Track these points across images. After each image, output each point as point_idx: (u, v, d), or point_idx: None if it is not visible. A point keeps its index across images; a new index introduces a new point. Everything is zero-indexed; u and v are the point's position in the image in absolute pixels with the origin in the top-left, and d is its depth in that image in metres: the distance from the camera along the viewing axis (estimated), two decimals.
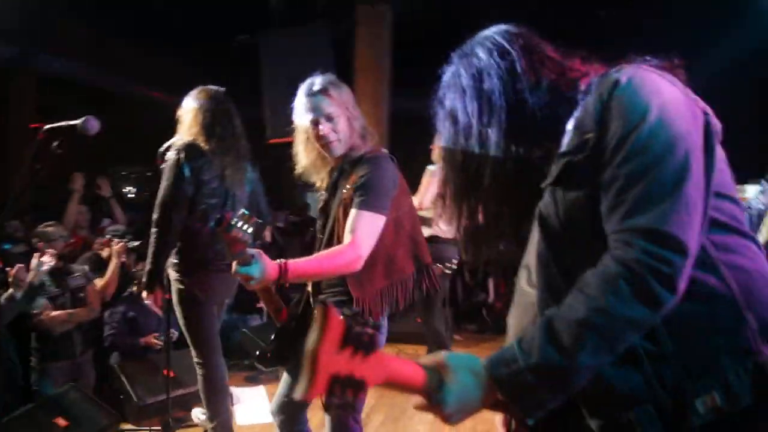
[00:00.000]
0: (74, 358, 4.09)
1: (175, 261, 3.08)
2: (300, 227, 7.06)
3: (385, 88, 6.22)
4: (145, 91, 8.84)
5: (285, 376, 2.50)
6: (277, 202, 7.14)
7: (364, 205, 2.13)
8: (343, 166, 2.29)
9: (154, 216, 3.00)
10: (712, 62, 6.90)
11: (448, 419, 1.07)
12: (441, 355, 1.11)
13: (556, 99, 1.19)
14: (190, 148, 3.02)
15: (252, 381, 4.79)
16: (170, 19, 7.03)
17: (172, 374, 3.51)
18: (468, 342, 6.32)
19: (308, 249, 6.96)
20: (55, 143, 2.40)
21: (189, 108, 3.12)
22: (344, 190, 2.22)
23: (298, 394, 0.95)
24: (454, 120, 1.24)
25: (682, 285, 1.00)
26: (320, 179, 2.41)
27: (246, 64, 7.15)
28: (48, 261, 3.82)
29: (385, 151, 2.35)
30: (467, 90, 1.23)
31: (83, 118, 2.36)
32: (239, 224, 1.89)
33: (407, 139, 5.12)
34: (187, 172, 2.98)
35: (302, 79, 2.35)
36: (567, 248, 1.15)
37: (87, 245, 4.95)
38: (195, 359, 3.13)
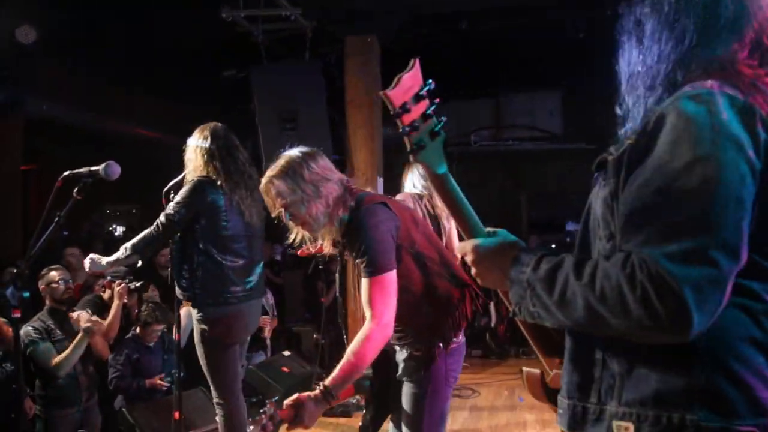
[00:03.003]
0: (80, 404, 4.02)
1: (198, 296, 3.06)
2: (300, 260, 7.04)
3: (378, 117, 6.24)
4: (132, 130, 8.80)
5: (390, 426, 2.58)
6: (273, 236, 7.10)
7: (369, 273, 2.12)
8: (337, 239, 2.28)
9: (161, 220, 3.02)
10: None
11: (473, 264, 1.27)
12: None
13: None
14: (206, 179, 3.06)
15: None
16: (158, 58, 7.04)
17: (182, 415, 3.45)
18: (474, 368, 6.31)
19: (311, 281, 6.92)
20: (76, 190, 2.39)
21: (194, 148, 3.13)
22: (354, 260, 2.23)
23: None
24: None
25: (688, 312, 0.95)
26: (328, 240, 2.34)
27: (235, 99, 7.17)
28: None
29: (373, 199, 2.23)
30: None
31: (104, 164, 2.35)
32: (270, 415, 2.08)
33: (401, 169, 5.16)
34: (208, 191, 3.01)
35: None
36: (592, 240, 1.20)
37: (88, 287, 4.88)
38: (216, 400, 3.10)
